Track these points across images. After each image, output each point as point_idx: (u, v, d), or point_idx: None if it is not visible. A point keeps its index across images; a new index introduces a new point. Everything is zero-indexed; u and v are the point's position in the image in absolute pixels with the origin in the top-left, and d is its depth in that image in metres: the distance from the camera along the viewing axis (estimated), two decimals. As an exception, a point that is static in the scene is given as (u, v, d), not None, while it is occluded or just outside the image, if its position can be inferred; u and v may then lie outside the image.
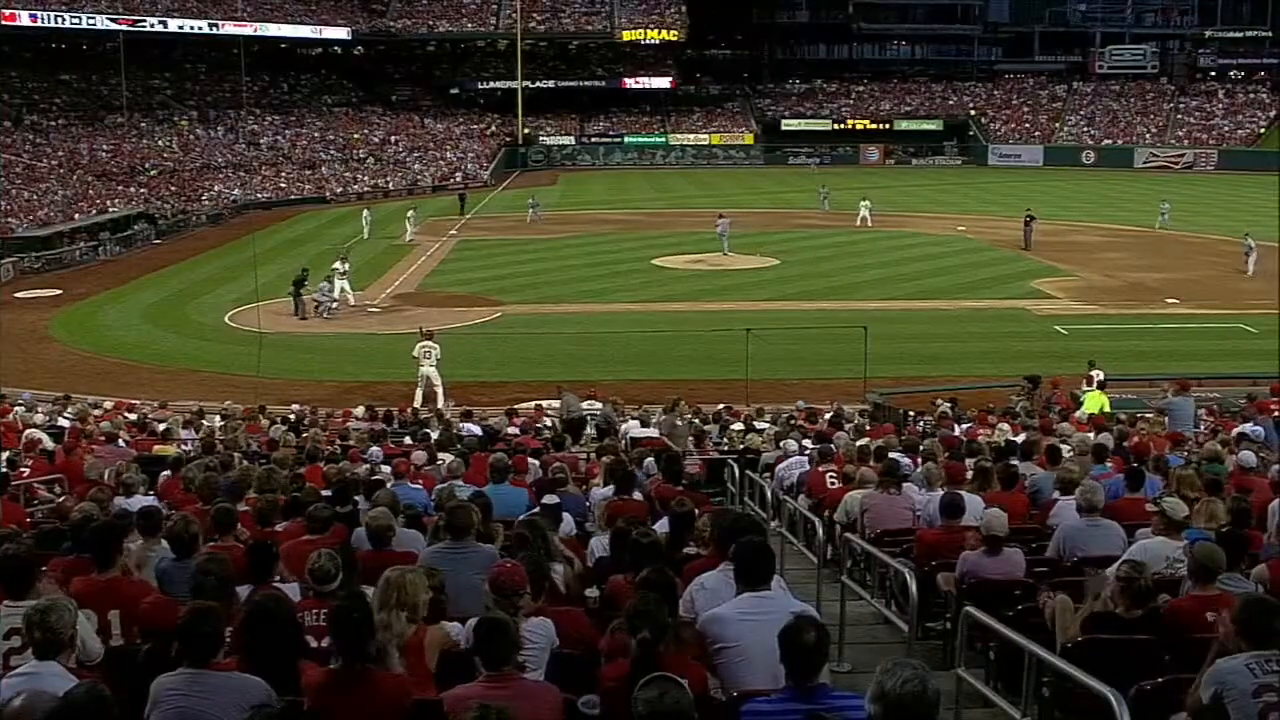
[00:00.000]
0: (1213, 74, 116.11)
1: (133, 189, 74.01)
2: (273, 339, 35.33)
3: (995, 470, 12.64)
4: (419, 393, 29.18)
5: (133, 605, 7.63)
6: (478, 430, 20.93)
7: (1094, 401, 22.61)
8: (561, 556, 8.69)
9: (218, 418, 22.57)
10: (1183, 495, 10.23)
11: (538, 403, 26.85)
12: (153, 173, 78.60)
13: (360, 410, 24.25)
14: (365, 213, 63.03)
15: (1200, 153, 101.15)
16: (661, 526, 9.75)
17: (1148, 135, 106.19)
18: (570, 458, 16.83)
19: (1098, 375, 24.85)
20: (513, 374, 31.75)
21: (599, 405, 24.96)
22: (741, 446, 19.72)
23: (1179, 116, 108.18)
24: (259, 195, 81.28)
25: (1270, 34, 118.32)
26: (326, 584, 7.33)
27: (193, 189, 78.45)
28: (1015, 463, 13.34)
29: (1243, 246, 46.21)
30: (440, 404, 28.24)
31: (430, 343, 29.58)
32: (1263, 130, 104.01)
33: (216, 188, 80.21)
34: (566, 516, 10.90)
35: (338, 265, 41.95)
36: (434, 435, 18.80)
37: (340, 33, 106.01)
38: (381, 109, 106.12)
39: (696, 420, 22.20)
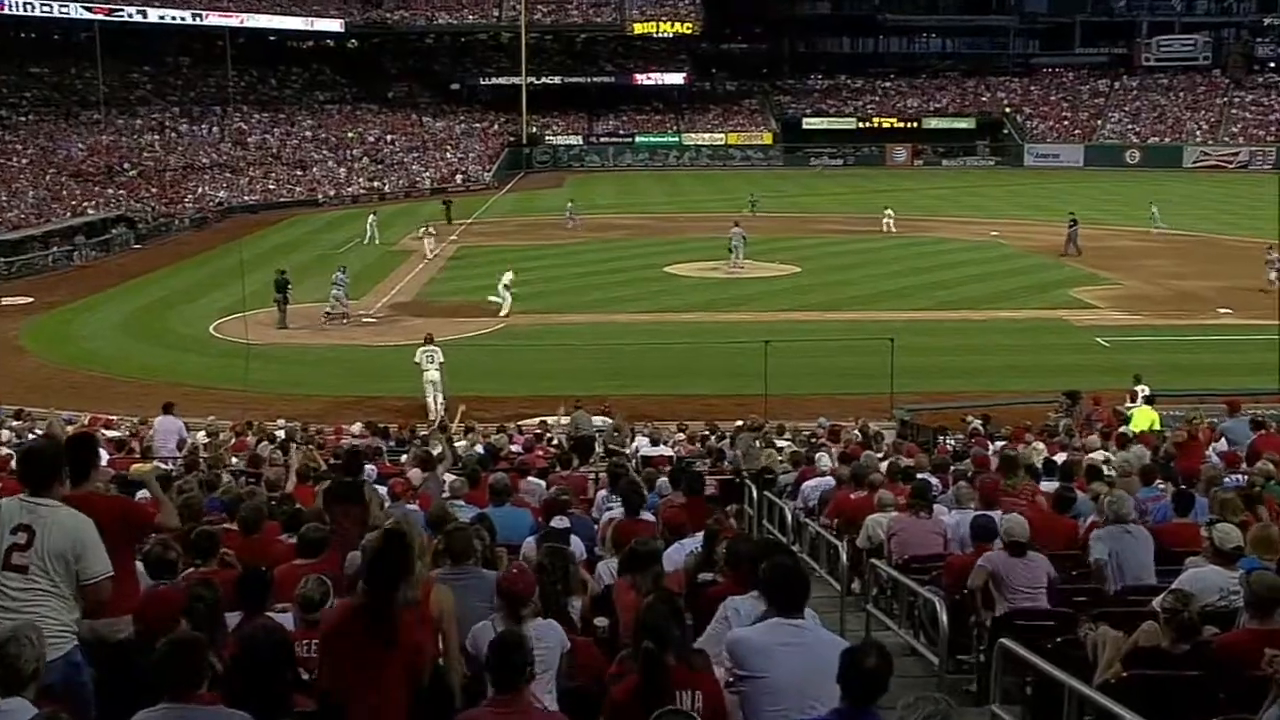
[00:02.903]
0: (1271, 65, 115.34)
1: (110, 190, 74.37)
2: (260, 351, 35.40)
3: (1053, 494, 12.64)
4: (429, 402, 29.70)
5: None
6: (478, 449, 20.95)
7: (1143, 418, 22.40)
8: (581, 589, 8.74)
9: (201, 434, 22.62)
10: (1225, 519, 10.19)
11: (543, 418, 26.91)
12: (132, 173, 78.96)
13: (357, 427, 24.28)
14: (371, 217, 63.14)
15: (1257, 151, 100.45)
16: (677, 551, 9.76)
17: (1198, 132, 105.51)
18: (578, 478, 16.82)
19: (1143, 390, 24.75)
20: (516, 388, 31.79)
21: (610, 422, 25.06)
22: (760, 465, 19.69)
23: (1233, 112, 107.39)
24: (246, 198, 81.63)
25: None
26: (315, 612, 7.34)
27: (175, 191, 78.78)
28: (1062, 484, 13.28)
29: (1267, 255, 44.40)
30: (436, 412, 28.83)
31: (432, 347, 30.12)
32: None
33: (200, 189, 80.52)
34: (575, 540, 10.88)
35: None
36: (436, 450, 18.82)
37: (333, 24, 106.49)
38: (377, 106, 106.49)
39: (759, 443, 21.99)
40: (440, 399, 29.69)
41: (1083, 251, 53.09)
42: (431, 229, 57.39)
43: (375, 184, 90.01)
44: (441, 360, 30.07)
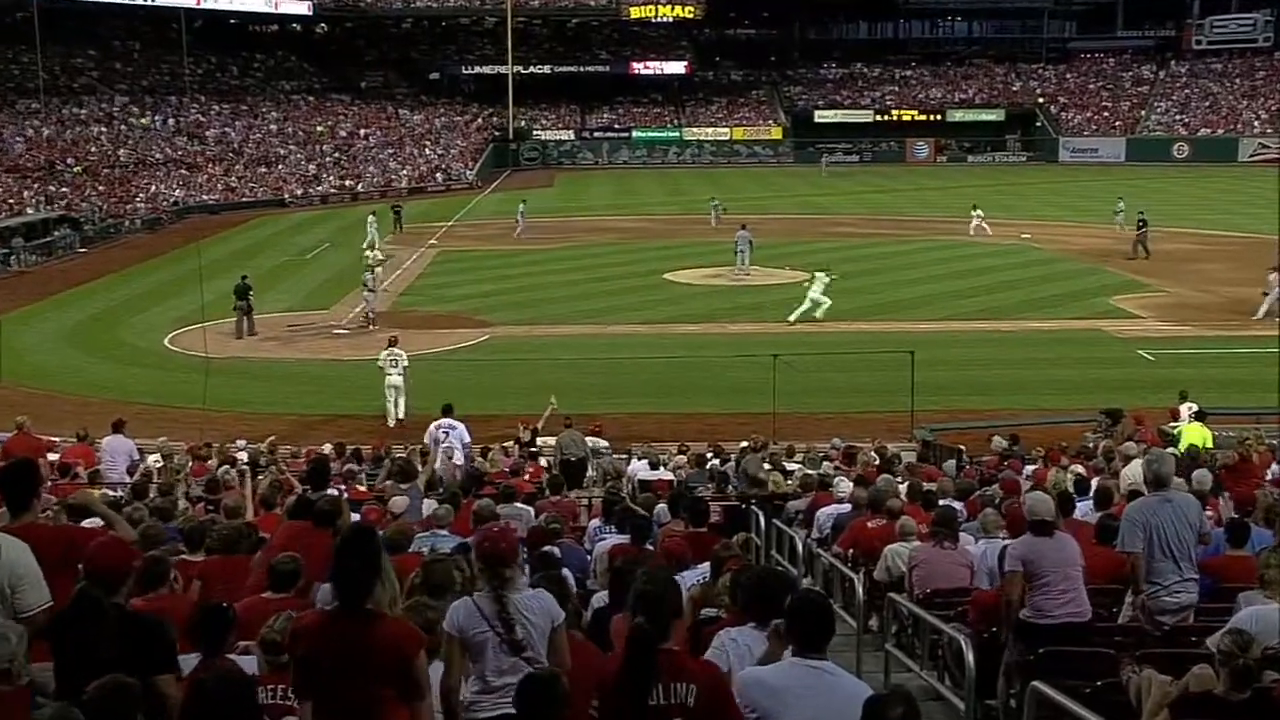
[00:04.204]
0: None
1: (52, 188, 74.23)
2: (221, 365, 35.31)
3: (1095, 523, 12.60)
4: (390, 406, 30.72)
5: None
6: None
7: (1194, 434, 22.34)
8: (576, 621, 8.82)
9: (154, 457, 22.54)
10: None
11: (531, 428, 26.96)
12: (76, 169, 78.93)
13: (328, 447, 24.23)
14: (370, 217, 63.14)
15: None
16: (687, 579, 9.74)
17: (1256, 122, 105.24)
18: (568, 505, 16.81)
19: (1191, 408, 24.69)
20: (503, 406, 31.71)
21: (603, 443, 25.15)
22: (769, 490, 19.67)
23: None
24: (204, 197, 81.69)
25: None
26: (282, 655, 7.27)
27: (124, 189, 78.76)
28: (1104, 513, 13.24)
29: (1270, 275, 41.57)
30: (397, 418, 30.10)
31: (396, 350, 31.01)
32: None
33: (153, 187, 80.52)
34: (565, 572, 10.86)
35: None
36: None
37: (300, 7, 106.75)
38: (349, 97, 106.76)
39: (767, 466, 22.01)
40: (403, 405, 30.62)
41: (1151, 255, 53.17)
42: (378, 253, 48.91)
43: (347, 182, 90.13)
44: (406, 364, 30.92)
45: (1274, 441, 21.53)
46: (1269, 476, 17.76)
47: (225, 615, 7.76)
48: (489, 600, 7.13)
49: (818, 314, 41.57)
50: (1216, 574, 11.11)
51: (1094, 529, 12.34)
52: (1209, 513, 13.38)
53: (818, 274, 42.76)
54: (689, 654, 6.71)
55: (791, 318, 41.49)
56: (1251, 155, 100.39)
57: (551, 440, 25.61)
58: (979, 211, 62.45)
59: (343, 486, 18.01)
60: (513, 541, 7.38)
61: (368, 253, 48.35)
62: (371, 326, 41.10)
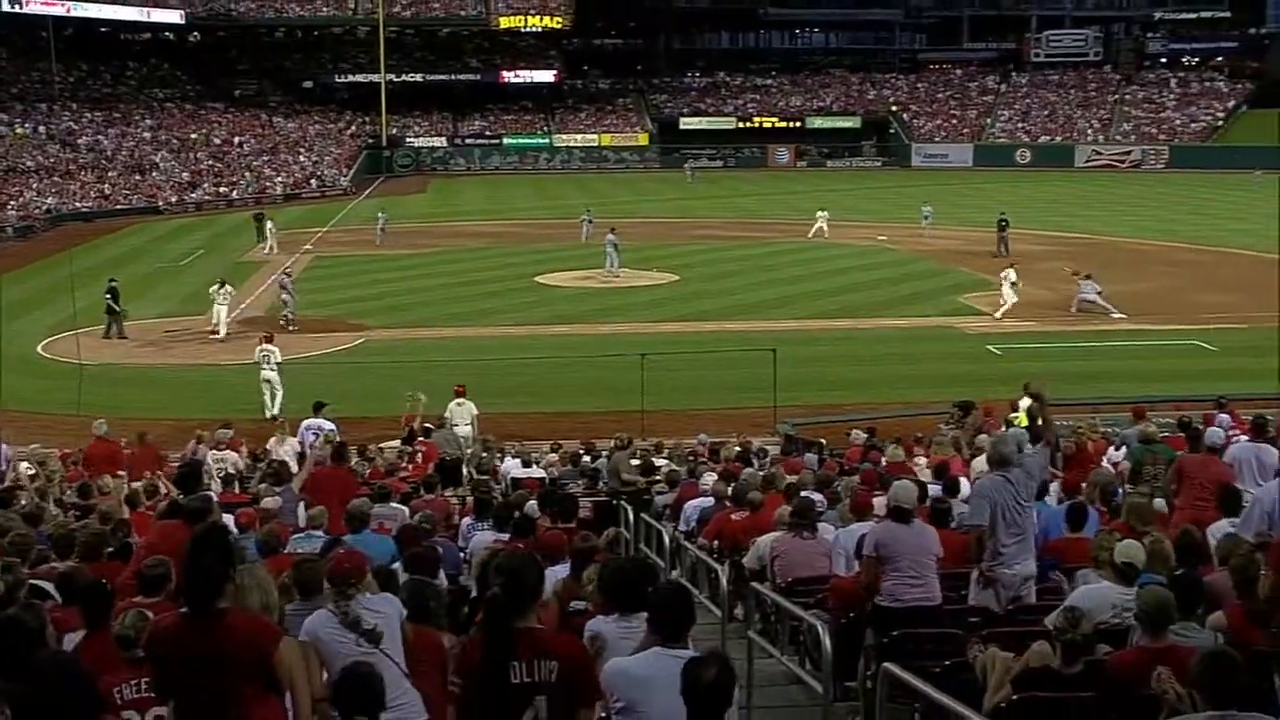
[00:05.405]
0: (1163, 61, 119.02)
1: (-80, 196, 71.99)
2: (96, 371, 34.51)
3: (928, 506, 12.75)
4: (267, 399, 31.13)
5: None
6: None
7: (1024, 421, 22.77)
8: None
9: (25, 465, 21.98)
10: (1130, 527, 10.41)
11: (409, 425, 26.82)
12: (-55, 178, 76.65)
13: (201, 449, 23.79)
14: (269, 224, 62.20)
15: (1150, 149, 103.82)
16: (549, 578, 9.72)
17: (1090, 131, 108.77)
18: (441, 503, 16.72)
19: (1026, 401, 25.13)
20: (378, 409, 31.41)
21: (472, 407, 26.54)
22: (634, 485, 19.74)
23: (1125, 109, 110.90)
24: (78, 204, 79.72)
25: (1228, 14, 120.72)
26: (134, 650, 7.15)
27: (-4, 197, 76.57)
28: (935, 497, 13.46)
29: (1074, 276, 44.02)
30: (274, 413, 30.18)
31: (270, 346, 31.39)
32: (1220, 123, 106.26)
33: (25, 195, 78.39)
34: (441, 578, 10.81)
35: (218, 289, 41.11)
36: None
37: (172, 16, 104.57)
38: (223, 105, 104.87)
39: (635, 462, 21.97)
40: (279, 400, 30.86)
41: (1011, 253, 54.23)
42: (227, 287, 41.80)
43: (222, 190, 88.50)
44: (279, 361, 31.31)
45: (1108, 430, 22.12)
46: (1105, 462, 18.21)
47: (103, 589, 7.99)
48: (338, 609, 7.45)
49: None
50: (1056, 555, 11.38)
51: (928, 511, 12.44)
52: (1049, 500, 13.68)
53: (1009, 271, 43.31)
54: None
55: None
56: (1087, 161, 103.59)
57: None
58: (824, 213, 63.06)
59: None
60: (359, 562, 7.83)
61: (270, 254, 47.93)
62: (291, 329, 40.45)
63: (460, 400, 27.59)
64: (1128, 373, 33.80)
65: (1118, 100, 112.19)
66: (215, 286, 41.28)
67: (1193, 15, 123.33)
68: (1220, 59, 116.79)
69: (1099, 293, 42.27)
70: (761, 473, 17.69)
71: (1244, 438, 15.67)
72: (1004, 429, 22.17)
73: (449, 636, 8.53)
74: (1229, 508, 11.56)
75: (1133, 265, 52.67)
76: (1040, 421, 12.82)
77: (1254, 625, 7.83)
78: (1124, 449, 18.95)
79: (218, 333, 40.05)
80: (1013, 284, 42.44)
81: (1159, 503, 13.16)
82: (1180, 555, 9.47)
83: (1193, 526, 10.47)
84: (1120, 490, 13.69)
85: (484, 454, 24.50)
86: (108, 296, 40.94)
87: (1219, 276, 49.70)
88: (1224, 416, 20.52)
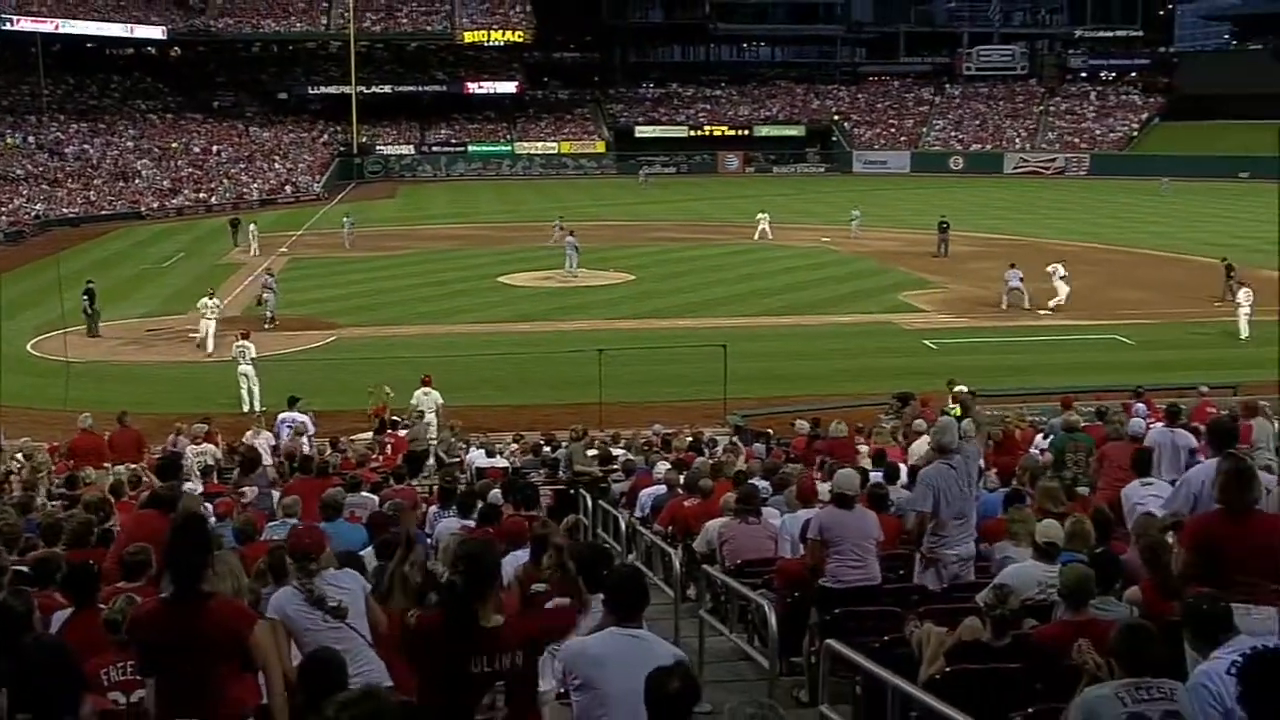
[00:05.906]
0: (1084, 75, 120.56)
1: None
2: (83, 369, 34.28)
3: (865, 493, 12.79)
4: (243, 393, 30.98)
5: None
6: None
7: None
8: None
9: (16, 457, 21.79)
10: (1045, 510, 10.52)
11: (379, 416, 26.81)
12: (-62, 186, 75.71)
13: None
14: (251, 227, 61.73)
15: (1072, 157, 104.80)
16: (511, 562, 9.71)
17: (1017, 140, 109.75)
18: (409, 492, 16.65)
19: (960, 389, 25.29)
20: (349, 403, 31.30)
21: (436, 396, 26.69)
22: (589, 474, 19.74)
23: (1049, 119, 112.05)
24: (65, 210, 78.87)
25: (1141, 33, 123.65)
26: (120, 634, 7.12)
27: (-13, 204, 75.68)
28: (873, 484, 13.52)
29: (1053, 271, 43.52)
30: (253, 406, 30.05)
31: (246, 342, 31.42)
32: (1135, 133, 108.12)
33: (15, 202, 77.55)
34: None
35: (208, 300, 39.32)
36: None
37: (154, 32, 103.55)
38: (202, 116, 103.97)
39: (592, 452, 21.89)
40: (257, 394, 30.73)
41: (949, 255, 54.53)
42: (215, 299, 39.83)
43: (201, 195, 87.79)
44: (253, 356, 31.30)
45: (1034, 419, 22.31)
46: (1033, 449, 18.36)
47: (91, 570, 8.00)
48: (302, 587, 7.43)
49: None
50: (991, 536, 11.48)
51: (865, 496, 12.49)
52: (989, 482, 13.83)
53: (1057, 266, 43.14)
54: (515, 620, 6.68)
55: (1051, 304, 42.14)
56: (1015, 168, 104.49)
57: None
58: (764, 215, 63.07)
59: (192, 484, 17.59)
60: (319, 538, 7.82)
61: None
62: (268, 326, 40.32)
63: (427, 390, 27.57)
64: (1053, 365, 34.16)
65: (1043, 111, 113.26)
66: (205, 299, 39.00)
67: (1109, 34, 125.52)
68: (1134, 74, 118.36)
69: (1021, 279, 42.60)
70: (711, 461, 17.74)
71: (1160, 424, 15.86)
72: (940, 418, 22.32)
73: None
74: (1141, 468, 11.95)
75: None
76: (970, 416, 12.97)
77: (1165, 599, 7.93)
78: (1050, 437, 19.11)
79: (204, 347, 37.62)
80: (1063, 277, 42.65)
81: (1083, 489, 13.33)
82: (1096, 530, 9.59)
83: (1104, 505, 10.64)
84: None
85: (452, 439, 24.54)
86: (85, 298, 40.86)
87: (1136, 275, 50.23)
88: (1140, 405, 20.73)
